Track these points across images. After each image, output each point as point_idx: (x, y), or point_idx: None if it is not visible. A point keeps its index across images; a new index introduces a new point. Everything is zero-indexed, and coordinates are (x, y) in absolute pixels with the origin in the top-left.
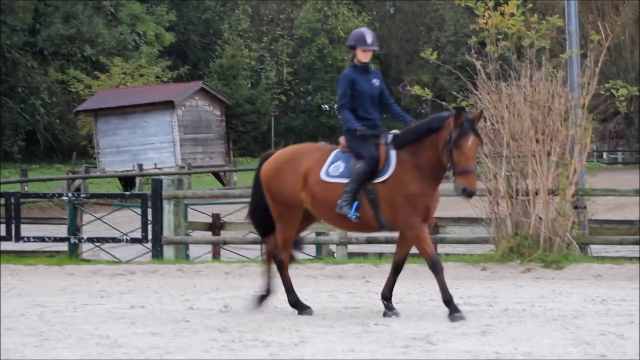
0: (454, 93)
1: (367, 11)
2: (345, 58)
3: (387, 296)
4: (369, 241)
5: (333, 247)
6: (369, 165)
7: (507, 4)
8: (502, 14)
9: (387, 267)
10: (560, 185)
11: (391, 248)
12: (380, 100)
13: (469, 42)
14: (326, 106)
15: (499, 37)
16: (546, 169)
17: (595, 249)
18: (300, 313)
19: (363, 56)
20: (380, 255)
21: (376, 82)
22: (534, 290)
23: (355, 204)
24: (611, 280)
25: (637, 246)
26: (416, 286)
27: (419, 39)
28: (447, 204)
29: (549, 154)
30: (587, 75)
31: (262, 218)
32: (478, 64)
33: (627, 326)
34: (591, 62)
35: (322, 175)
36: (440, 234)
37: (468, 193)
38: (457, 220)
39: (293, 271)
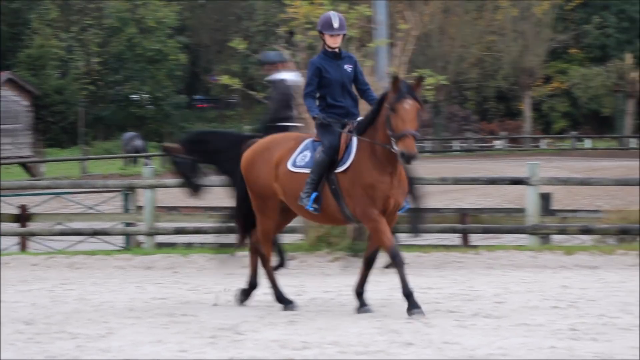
0: (264, 82)
1: (177, 0)
2: (155, 48)
3: (359, 292)
4: (178, 232)
5: (141, 238)
6: (328, 155)
7: None
8: (311, 3)
9: (195, 258)
10: None
11: (199, 239)
12: (355, 87)
13: (278, 32)
14: (135, 96)
15: (308, 26)
16: None
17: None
18: (285, 308)
19: (331, 41)
20: (189, 246)
21: (348, 67)
22: (342, 279)
23: (314, 195)
24: (418, 269)
25: (445, 234)
26: (225, 276)
27: (229, 29)
28: None
29: None
30: (396, 65)
31: (247, 210)
32: (287, 54)
33: (433, 314)
34: (399, 51)
35: (289, 165)
36: None
37: (406, 157)
38: None
39: (101, 262)
